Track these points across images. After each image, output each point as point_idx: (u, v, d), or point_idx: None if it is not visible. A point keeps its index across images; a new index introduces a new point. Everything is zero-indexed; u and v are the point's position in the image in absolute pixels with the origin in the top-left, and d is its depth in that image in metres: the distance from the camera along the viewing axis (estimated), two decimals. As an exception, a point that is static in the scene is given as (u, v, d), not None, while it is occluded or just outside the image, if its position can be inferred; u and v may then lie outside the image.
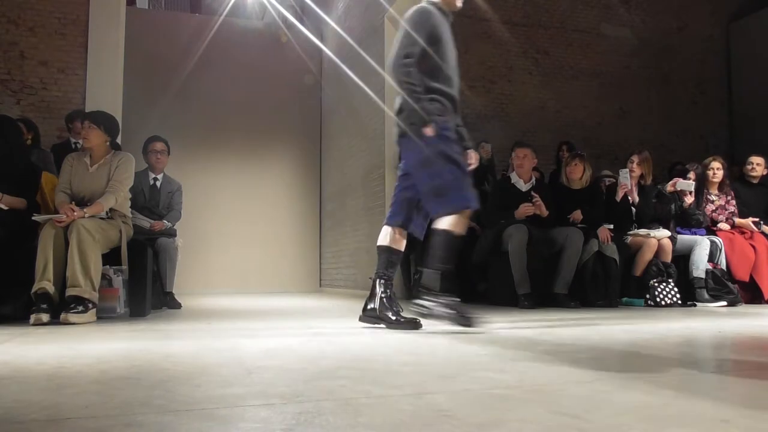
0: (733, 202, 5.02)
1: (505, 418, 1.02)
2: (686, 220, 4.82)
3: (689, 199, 4.81)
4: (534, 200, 4.33)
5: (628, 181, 4.57)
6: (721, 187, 5.03)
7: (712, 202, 5.00)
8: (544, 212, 4.31)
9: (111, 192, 3.35)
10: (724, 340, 2.31)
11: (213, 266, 8.37)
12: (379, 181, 6.43)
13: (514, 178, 4.53)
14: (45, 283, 2.93)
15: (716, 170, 4.99)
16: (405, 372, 1.49)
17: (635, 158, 4.73)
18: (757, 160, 5.20)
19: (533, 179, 4.55)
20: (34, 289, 2.94)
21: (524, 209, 4.32)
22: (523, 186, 4.49)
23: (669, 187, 4.85)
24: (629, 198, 4.60)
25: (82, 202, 3.30)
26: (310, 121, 9.14)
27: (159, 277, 4.20)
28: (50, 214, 3.31)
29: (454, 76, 2.65)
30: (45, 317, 2.84)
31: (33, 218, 3.20)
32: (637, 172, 4.68)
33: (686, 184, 4.83)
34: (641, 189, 4.68)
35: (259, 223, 8.73)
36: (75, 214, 3.10)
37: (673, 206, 4.79)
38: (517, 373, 1.46)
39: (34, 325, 2.79)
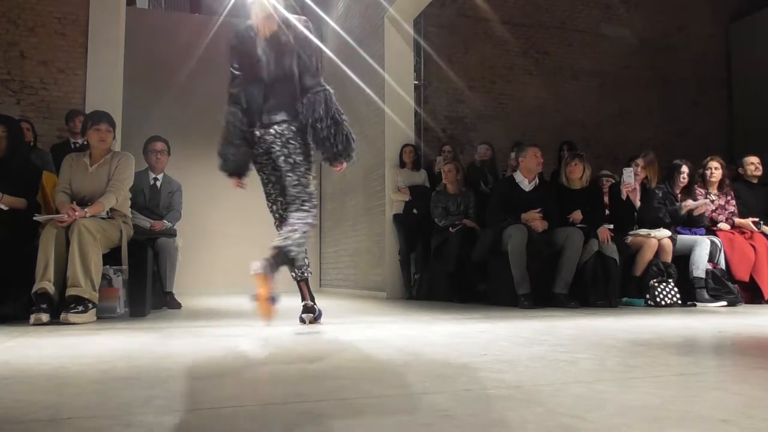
0: (733, 201, 5.01)
1: (505, 418, 1.02)
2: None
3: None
4: (538, 211, 4.32)
5: (631, 180, 4.56)
6: (720, 186, 5.02)
7: (712, 201, 5.00)
8: (539, 227, 4.30)
9: (112, 191, 3.36)
10: (724, 340, 2.31)
11: (213, 266, 8.36)
12: (379, 181, 6.43)
13: (519, 177, 4.52)
14: (45, 283, 2.93)
15: (714, 170, 4.98)
16: (405, 372, 1.49)
17: (640, 161, 4.71)
18: (755, 160, 5.20)
19: (536, 179, 4.54)
20: (34, 289, 2.94)
21: (532, 216, 4.30)
22: (527, 186, 4.49)
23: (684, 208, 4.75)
24: (631, 198, 4.60)
25: (82, 202, 3.30)
26: (310, 121, 9.13)
27: (159, 277, 4.19)
28: (51, 213, 3.31)
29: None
30: (45, 317, 2.84)
31: (34, 218, 3.20)
32: (642, 175, 4.66)
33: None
34: (645, 192, 4.67)
35: (259, 222, 8.64)
36: (76, 213, 3.10)
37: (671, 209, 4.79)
38: (517, 373, 1.46)
39: (34, 325, 2.79)
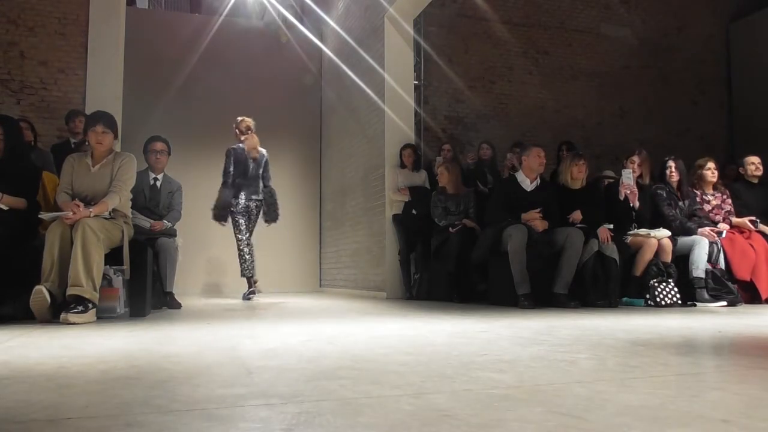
0: (729, 200, 5.00)
1: (505, 418, 1.02)
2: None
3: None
4: (539, 211, 4.33)
5: (630, 181, 4.56)
6: (715, 186, 5.03)
7: (708, 202, 4.99)
8: (539, 227, 4.30)
9: (115, 192, 3.36)
10: (724, 340, 2.31)
11: (213, 266, 8.36)
12: (379, 181, 6.43)
13: (521, 177, 4.53)
14: (48, 284, 2.96)
15: (713, 170, 4.99)
16: (405, 372, 1.49)
17: (635, 159, 4.73)
18: (756, 160, 5.19)
19: (538, 179, 4.55)
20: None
21: (532, 216, 4.31)
22: (529, 186, 4.49)
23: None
24: (629, 199, 4.60)
25: (84, 202, 3.30)
26: (310, 121, 9.13)
27: (159, 277, 4.19)
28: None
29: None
30: (46, 292, 2.89)
31: (40, 215, 3.20)
32: (638, 172, 4.69)
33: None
34: (640, 189, 4.68)
35: (258, 222, 8.71)
36: (81, 211, 3.11)
37: (677, 211, 4.78)
38: (517, 373, 1.46)
39: (35, 299, 2.86)
